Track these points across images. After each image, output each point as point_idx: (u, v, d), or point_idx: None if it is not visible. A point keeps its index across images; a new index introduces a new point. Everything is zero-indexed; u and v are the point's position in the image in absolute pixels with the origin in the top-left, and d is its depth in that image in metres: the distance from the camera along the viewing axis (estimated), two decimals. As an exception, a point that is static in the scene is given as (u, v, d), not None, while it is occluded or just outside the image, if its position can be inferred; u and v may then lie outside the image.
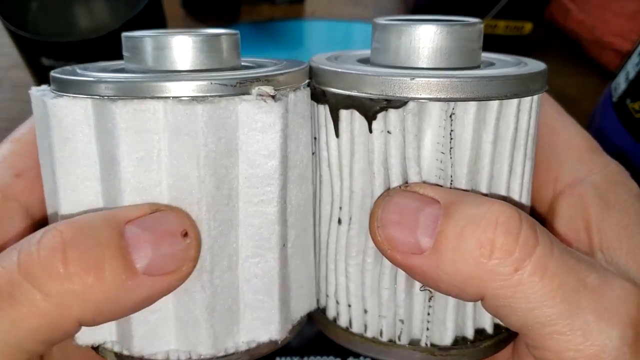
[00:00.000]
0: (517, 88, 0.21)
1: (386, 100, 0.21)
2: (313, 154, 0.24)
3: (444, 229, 0.19)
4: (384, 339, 0.24)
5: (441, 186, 0.21)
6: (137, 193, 0.20)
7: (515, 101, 0.21)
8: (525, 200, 0.23)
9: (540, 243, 0.19)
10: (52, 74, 0.22)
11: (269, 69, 0.22)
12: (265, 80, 0.21)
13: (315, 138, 0.24)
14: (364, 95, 0.21)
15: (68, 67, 0.24)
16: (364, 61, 0.25)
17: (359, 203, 0.22)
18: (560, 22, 0.60)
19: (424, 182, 0.21)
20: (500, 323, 0.24)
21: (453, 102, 0.20)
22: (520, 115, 0.22)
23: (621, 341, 0.19)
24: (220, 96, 0.20)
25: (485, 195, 0.22)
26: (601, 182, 0.23)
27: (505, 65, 0.24)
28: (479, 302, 0.21)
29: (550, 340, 0.19)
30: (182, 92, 0.20)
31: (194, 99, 0.20)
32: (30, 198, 0.24)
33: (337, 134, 0.22)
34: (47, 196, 0.23)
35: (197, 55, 0.22)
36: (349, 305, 0.24)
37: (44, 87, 0.23)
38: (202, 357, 0.22)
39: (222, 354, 0.22)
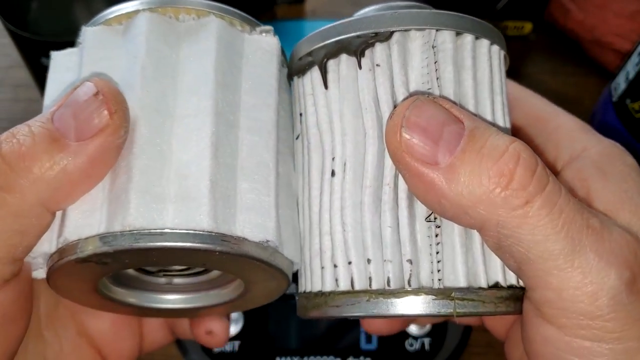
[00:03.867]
0: (486, 30, 0.24)
1: (373, 34, 0.23)
2: (297, 137, 0.26)
3: (466, 149, 0.20)
4: (392, 286, 0.21)
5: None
6: (153, 86, 0.23)
7: (486, 42, 0.24)
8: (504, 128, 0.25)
9: (550, 182, 0.20)
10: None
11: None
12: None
13: (300, 114, 0.25)
14: (351, 35, 0.23)
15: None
16: None
17: (353, 145, 0.23)
18: (560, 22, 0.60)
19: None
20: (514, 281, 0.23)
21: (434, 32, 0.23)
22: (493, 62, 0.24)
23: (619, 281, 0.19)
24: (232, 17, 0.24)
25: None
26: (597, 156, 0.24)
27: None
28: (487, 251, 0.22)
29: (551, 276, 0.20)
30: (202, 6, 0.24)
31: (211, 12, 0.24)
32: None
33: (325, 86, 0.24)
34: None
35: None
36: (349, 263, 0.22)
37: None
38: (198, 230, 0.21)
39: (219, 231, 0.21)
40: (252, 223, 0.22)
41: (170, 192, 0.22)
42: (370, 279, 0.22)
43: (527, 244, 0.19)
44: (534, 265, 0.20)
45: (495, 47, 0.24)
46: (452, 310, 0.21)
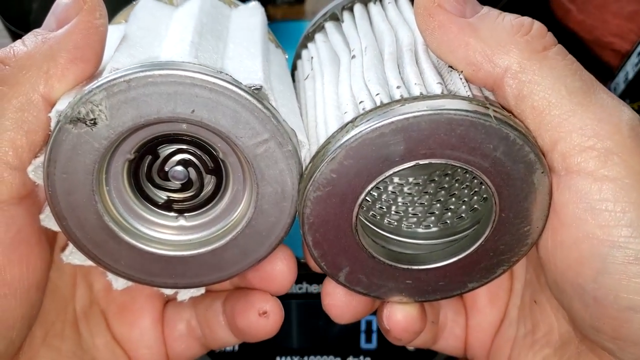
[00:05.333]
0: None
1: None
2: (307, 77, 0.28)
3: (489, 11, 0.23)
4: (430, 93, 0.22)
5: None
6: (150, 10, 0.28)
7: None
8: None
9: (558, 44, 0.22)
10: None
11: None
12: None
13: (312, 57, 0.29)
14: None
15: None
16: None
17: (371, 38, 0.26)
18: (559, 22, 0.60)
19: None
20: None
21: None
22: None
23: (633, 114, 0.21)
24: None
25: None
26: None
27: None
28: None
29: (573, 115, 0.21)
30: None
31: None
32: None
33: (342, 20, 0.29)
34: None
35: None
36: (377, 94, 0.22)
37: None
38: (184, 63, 0.23)
39: (203, 64, 0.23)
40: (240, 70, 0.24)
41: (162, 56, 0.24)
42: (401, 96, 0.22)
43: (548, 84, 0.21)
44: (557, 106, 0.21)
45: None
46: (489, 112, 0.21)
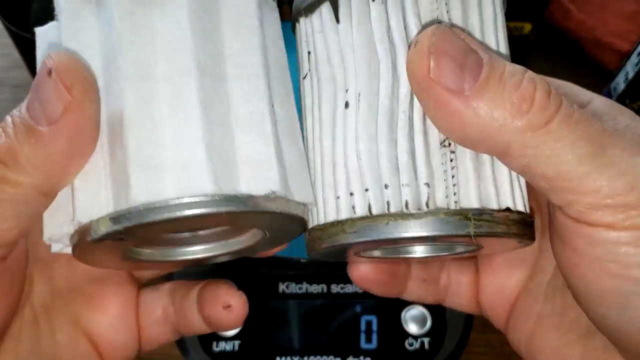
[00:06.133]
0: None
1: None
2: (305, 77, 0.26)
3: (489, 76, 0.20)
4: (411, 209, 0.22)
5: None
6: (132, 53, 0.22)
7: None
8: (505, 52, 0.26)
9: (563, 100, 0.21)
10: None
11: None
12: None
13: (309, 52, 0.25)
14: None
15: None
16: None
17: (366, 79, 0.23)
18: (559, 22, 0.60)
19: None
20: (521, 208, 0.23)
21: None
22: (495, 1, 0.24)
23: None
24: None
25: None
26: (603, 105, 0.25)
27: None
28: (497, 168, 0.23)
29: (585, 179, 0.20)
30: None
31: None
32: None
33: (337, 20, 0.24)
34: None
35: None
36: (366, 190, 0.23)
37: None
38: (203, 196, 0.21)
39: (218, 192, 0.21)
40: (255, 177, 0.22)
41: (168, 160, 0.21)
42: (388, 203, 0.22)
43: (554, 158, 0.20)
44: (567, 175, 0.20)
45: None
46: (469, 230, 0.22)
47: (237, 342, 0.42)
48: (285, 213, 0.23)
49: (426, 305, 0.42)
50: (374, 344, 0.42)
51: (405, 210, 0.22)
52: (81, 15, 0.23)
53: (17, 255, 0.24)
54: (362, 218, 0.23)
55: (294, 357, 0.42)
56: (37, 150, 0.21)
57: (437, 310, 0.42)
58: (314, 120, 0.25)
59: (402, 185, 0.22)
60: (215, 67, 0.22)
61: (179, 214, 0.21)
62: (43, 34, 0.24)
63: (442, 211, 0.22)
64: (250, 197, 0.22)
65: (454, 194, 0.22)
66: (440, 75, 0.20)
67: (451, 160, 0.22)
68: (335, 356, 0.42)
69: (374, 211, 0.22)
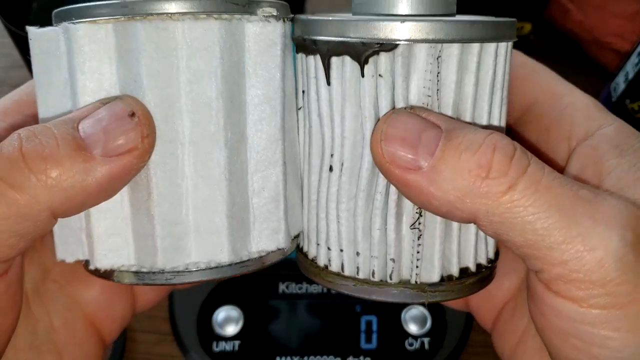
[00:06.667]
0: (495, 32, 0.23)
1: (378, 43, 0.22)
2: (300, 108, 0.26)
3: (445, 149, 0.21)
4: (376, 279, 0.25)
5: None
6: (158, 107, 0.22)
7: (493, 45, 0.23)
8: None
9: (532, 163, 0.20)
10: (67, 7, 0.23)
11: None
12: (269, 3, 0.23)
13: (303, 91, 0.25)
14: (356, 40, 0.22)
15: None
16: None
17: (351, 148, 0.24)
18: (559, 22, 0.60)
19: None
20: (483, 262, 0.26)
21: (440, 45, 0.22)
22: (498, 60, 0.23)
23: (622, 242, 0.19)
24: (231, 14, 0.22)
25: None
26: (613, 133, 0.24)
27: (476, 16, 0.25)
28: (464, 239, 0.24)
29: (553, 251, 0.20)
30: (199, 8, 0.22)
31: (209, 15, 0.22)
32: None
33: (328, 82, 0.23)
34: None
35: None
36: (341, 250, 0.25)
37: (44, 28, 0.24)
38: (220, 265, 0.24)
39: (237, 260, 0.24)
40: (266, 235, 0.25)
41: (191, 226, 0.23)
42: (357, 268, 0.25)
43: (521, 226, 0.20)
44: (534, 245, 0.20)
45: (503, 44, 0.23)
46: (424, 300, 0.25)
47: (237, 342, 0.42)
48: (285, 257, 0.26)
49: (426, 305, 0.42)
50: (374, 344, 0.42)
51: (371, 278, 0.25)
52: (98, 55, 0.22)
53: (16, 265, 0.24)
54: (334, 273, 0.26)
55: (294, 357, 0.42)
56: (76, 171, 0.20)
57: (437, 310, 0.42)
58: (303, 162, 0.26)
59: (372, 256, 0.24)
60: (238, 134, 0.23)
61: (198, 279, 0.24)
62: (38, 38, 0.23)
63: (403, 284, 0.25)
64: (260, 259, 0.25)
65: (417, 267, 0.24)
66: (393, 158, 0.21)
67: (419, 238, 0.24)
68: (335, 356, 0.42)
69: (346, 271, 0.25)
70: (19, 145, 0.20)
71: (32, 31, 0.23)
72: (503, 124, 0.25)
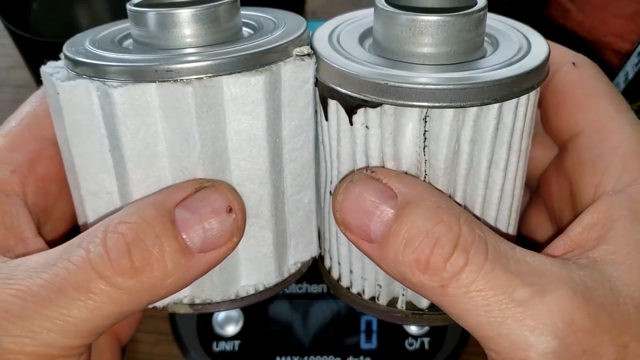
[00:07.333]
0: (497, 94, 0.20)
1: (364, 100, 0.21)
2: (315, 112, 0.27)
3: (392, 231, 0.21)
4: (366, 297, 0.27)
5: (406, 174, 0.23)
6: (210, 161, 0.23)
7: (495, 107, 0.21)
8: (509, 187, 0.24)
9: (469, 264, 0.20)
10: (65, 48, 0.23)
11: (289, 32, 0.24)
12: (300, 41, 0.24)
13: (316, 111, 0.25)
14: (343, 91, 0.22)
15: (80, 37, 0.25)
16: (365, 36, 0.25)
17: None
18: (559, 22, 0.60)
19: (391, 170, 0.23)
20: None
21: (426, 110, 0.21)
22: (503, 114, 0.22)
23: (546, 349, 0.20)
24: (273, 63, 0.22)
25: (463, 183, 0.23)
26: (638, 195, 0.23)
27: (505, 51, 0.23)
28: None
29: (488, 342, 0.21)
30: (240, 67, 0.22)
31: (252, 68, 0.22)
32: (26, 193, 0.25)
33: (326, 118, 0.24)
34: (67, 173, 0.25)
35: (209, 26, 0.23)
36: (339, 263, 0.27)
37: (53, 64, 0.24)
38: (267, 286, 0.26)
39: (281, 279, 0.27)
40: (301, 249, 0.27)
41: (241, 258, 0.25)
42: (351, 283, 0.27)
43: (456, 314, 0.21)
44: (473, 332, 0.21)
45: (512, 102, 0.21)
46: (409, 324, 0.30)
47: (237, 342, 0.42)
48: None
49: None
50: (374, 344, 0.42)
51: (362, 296, 0.27)
52: (141, 112, 0.22)
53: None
54: (334, 280, 0.28)
55: (294, 357, 0.42)
56: (178, 273, 0.21)
57: (437, 310, 0.42)
58: (319, 176, 0.27)
59: (362, 278, 0.26)
60: (279, 171, 0.25)
61: (248, 304, 0.26)
62: (68, 93, 0.22)
63: (390, 306, 0.27)
64: (298, 271, 0.28)
65: (403, 298, 0.26)
66: (348, 226, 0.23)
67: None
68: (335, 356, 0.42)
69: (342, 282, 0.28)
70: (126, 250, 0.21)
71: (61, 86, 0.22)
72: (512, 171, 0.23)
